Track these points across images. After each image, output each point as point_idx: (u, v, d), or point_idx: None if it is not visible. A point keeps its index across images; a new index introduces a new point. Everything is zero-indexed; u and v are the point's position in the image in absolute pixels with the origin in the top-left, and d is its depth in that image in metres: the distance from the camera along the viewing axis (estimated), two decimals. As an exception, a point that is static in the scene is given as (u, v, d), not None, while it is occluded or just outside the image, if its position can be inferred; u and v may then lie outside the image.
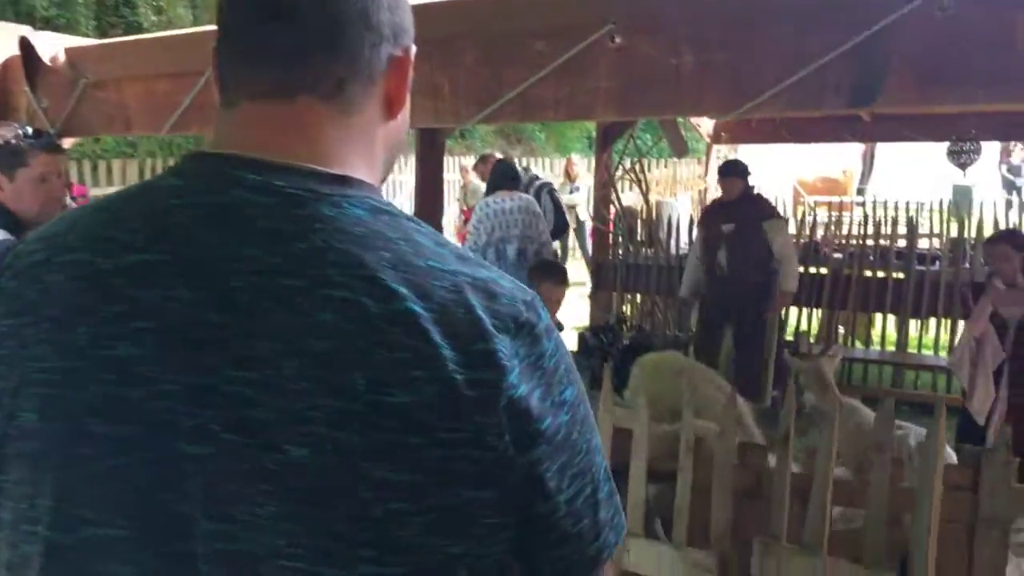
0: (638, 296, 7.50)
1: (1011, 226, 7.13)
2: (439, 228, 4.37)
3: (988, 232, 6.85)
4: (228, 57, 0.81)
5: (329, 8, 0.78)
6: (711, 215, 5.98)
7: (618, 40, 2.49)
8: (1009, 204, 12.55)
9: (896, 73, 2.18)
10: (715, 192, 10.00)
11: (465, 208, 8.37)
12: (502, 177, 6.14)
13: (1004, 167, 15.28)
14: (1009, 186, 14.25)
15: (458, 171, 11.53)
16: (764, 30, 2.33)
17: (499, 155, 8.59)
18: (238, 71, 0.80)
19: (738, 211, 5.76)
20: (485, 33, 2.70)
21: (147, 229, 0.75)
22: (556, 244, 7.79)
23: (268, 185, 0.75)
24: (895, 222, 8.47)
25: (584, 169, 10.51)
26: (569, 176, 10.90)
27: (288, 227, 0.73)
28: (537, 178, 7.60)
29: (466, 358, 0.71)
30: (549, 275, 3.70)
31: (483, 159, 9.14)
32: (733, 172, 5.82)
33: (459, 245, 0.86)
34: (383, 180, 0.87)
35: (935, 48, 2.14)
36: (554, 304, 3.54)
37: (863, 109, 2.31)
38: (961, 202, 13.23)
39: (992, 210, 8.14)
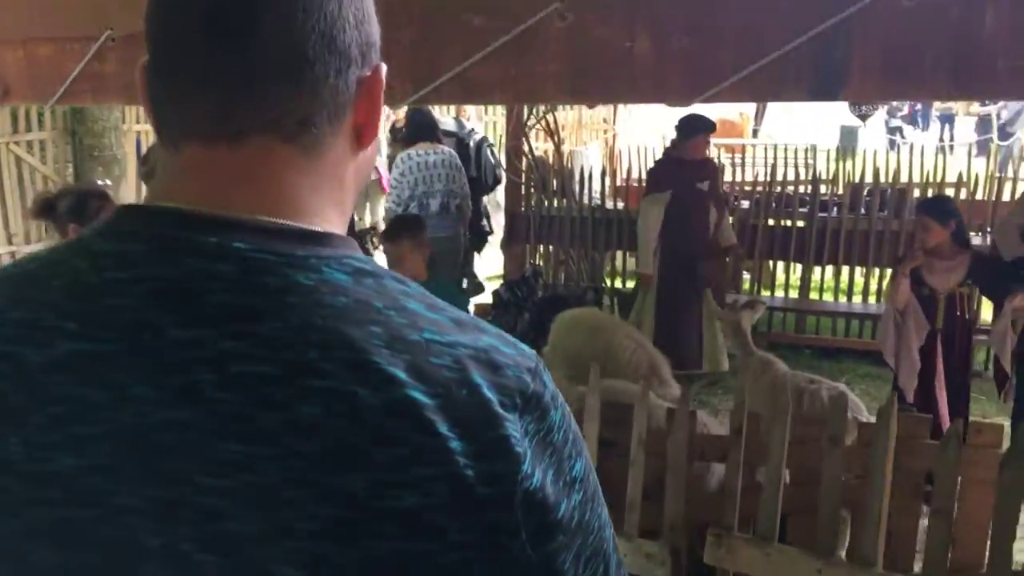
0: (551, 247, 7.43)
1: (891, 171, 7.28)
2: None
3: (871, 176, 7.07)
4: (163, 83, 0.67)
5: (292, 28, 0.64)
6: (678, 173, 5.49)
7: (568, 18, 2.29)
8: (892, 145, 13.08)
9: (860, 64, 2.08)
10: (629, 140, 9.96)
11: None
12: (423, 128, 5.88)
13: (887, 119, 15.97)
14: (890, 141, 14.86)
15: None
16: (725, 15, 2.18)
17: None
18: (177, 103, 0.66)
19: (704, 169, 5.65)
20: (421, 7, 2.45)
21: (78, 310, 0.62)
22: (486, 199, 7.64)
23: (227, 249, 0.62)
24: (796, 168, 8.68)
25: (475, 116, 10.21)
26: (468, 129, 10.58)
27: (256, 302, 0.61)
28: (474, 131, 7.39)
29: (476, 448, 0.62)
30: (408, 232, 3.45)
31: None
32: (704, 129, 5.46)
33: (453, 308, 0.71)
34: None
35: (900, 39, 2.05)
36: (417, 263, 3.34)
37: (827, 100, 2.20)
38: (848, 143, 13.69)
39: (872, 156, 8.41)
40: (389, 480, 0.60)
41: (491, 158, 7.09)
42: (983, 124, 13.26)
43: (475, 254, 7.07)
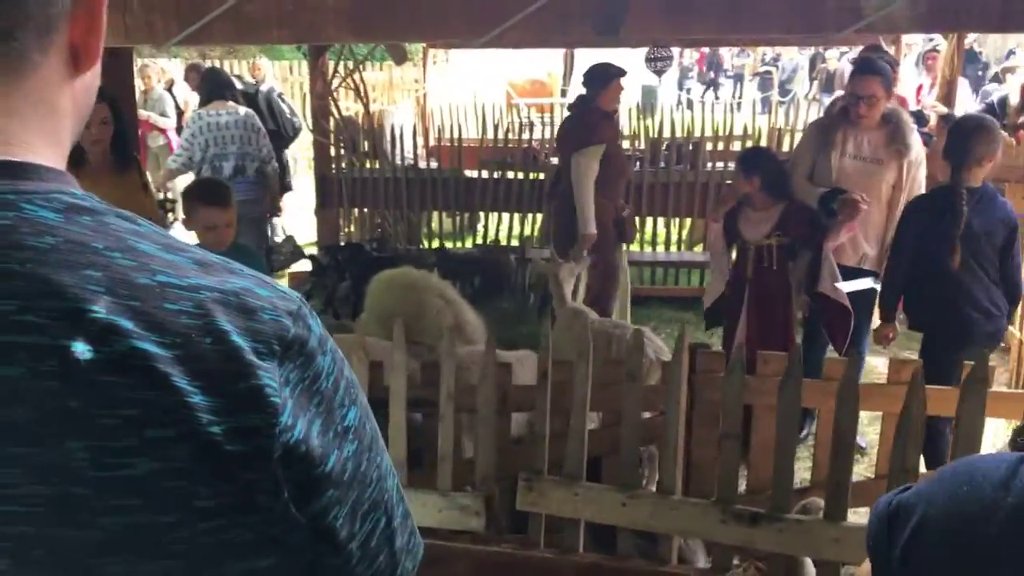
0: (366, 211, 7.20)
1: (687, 126, 7.60)
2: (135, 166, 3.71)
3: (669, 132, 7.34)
4: None
5: None
6: (607, 123, 4.97)
7: (346, -49, 2.12)
8: (679, 102, 13.74)
9: (641, 3, 2.07)
10: (441, 99, 9.79)
11: (146, 119, 7.33)
12: (215, 86, 5.51)
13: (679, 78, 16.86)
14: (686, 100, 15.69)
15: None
16: (507, -49, 2.10)
17: (210, 63, 7.74)
18: None
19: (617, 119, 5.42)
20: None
21: None
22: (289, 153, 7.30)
23: None
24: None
25: (270, 73, 9.71)
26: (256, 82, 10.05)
27: None
28: (261, 82, 7.00)
29: (224, 402, 0.56)
30: (206, 198, 3.14)
31: (193, 68, 8.17)
32: (617, 74, 4.94)
33: (197, 247, 0.63)
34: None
35: (677, -23, 2.05)
36: (222, 230, 3.08)
37: (610, 38, 2.17)
38: (648, 101, 14.23)
39: (669, 113, 8.79)
40: (117, 446, 0.53)
41: (284, 106, 6.78)
42: (764, 82, 14.20)
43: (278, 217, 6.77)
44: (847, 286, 3.78)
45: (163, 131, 7.62)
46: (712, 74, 18.10)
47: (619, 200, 5.07)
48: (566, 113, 5.53)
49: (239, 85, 6.56)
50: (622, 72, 4.93)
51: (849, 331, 3.74)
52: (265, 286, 0.63)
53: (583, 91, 4.97)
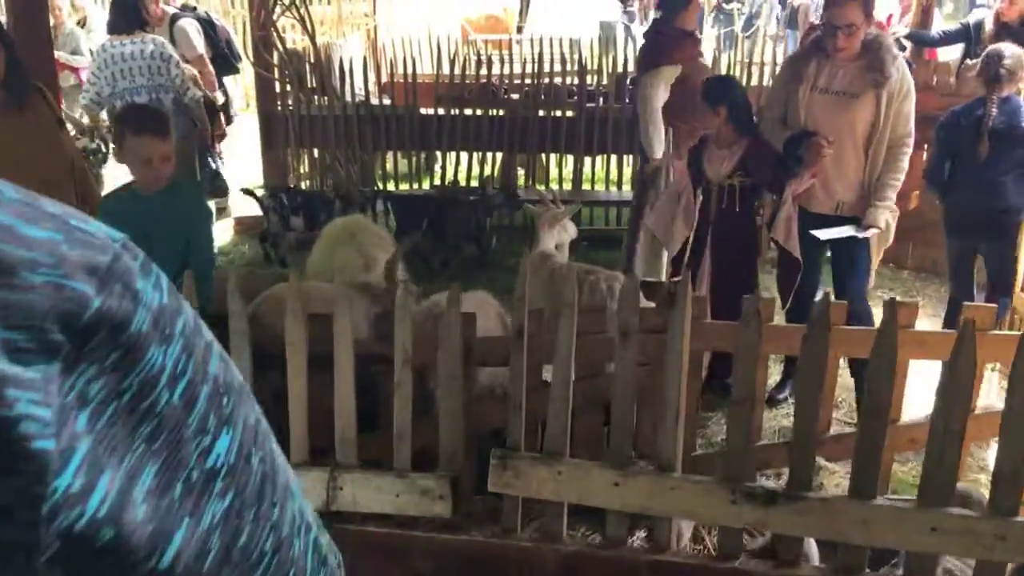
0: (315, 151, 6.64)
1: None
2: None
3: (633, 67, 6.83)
4: None
5: None
6: (686, 46, 4.47)
7: None
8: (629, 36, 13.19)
9: None
10: (392, 32, 9.15)
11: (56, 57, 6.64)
12: (119, 14, 4.92)
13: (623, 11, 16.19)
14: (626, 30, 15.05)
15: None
16: None
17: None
18: None
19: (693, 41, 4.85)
20: None
21: None
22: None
23: None
24: (563, 60, 8.36)
25: (218, 11, 8.92)
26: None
27: None
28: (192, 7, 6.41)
29: None
30: (136, 125, 2.63)
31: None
32: None
33: None
34: None
35: None
36: (158, 163, 2.61)
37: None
38: (607, 37, 13.66)
39: (633, 47, 8.29)
40: None
41: (210, 26, 6.20)
42: (727, 18, 13.71)
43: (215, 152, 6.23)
44: (824, 234, 3.40)
45: (75, 70, 6.87)
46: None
47: (698, 126, 4.35)
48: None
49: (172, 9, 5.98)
50: None
51: (794, 284, 3.43)
52: (39, 222, 0.36)
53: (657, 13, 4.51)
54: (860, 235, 3.38)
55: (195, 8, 6.58)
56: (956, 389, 1.77)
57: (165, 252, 2.57)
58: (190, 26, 5.96)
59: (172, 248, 2.67)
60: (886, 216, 3.42)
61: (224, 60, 6.35)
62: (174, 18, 5.97)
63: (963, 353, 1.74)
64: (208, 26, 6.23)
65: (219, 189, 6.15)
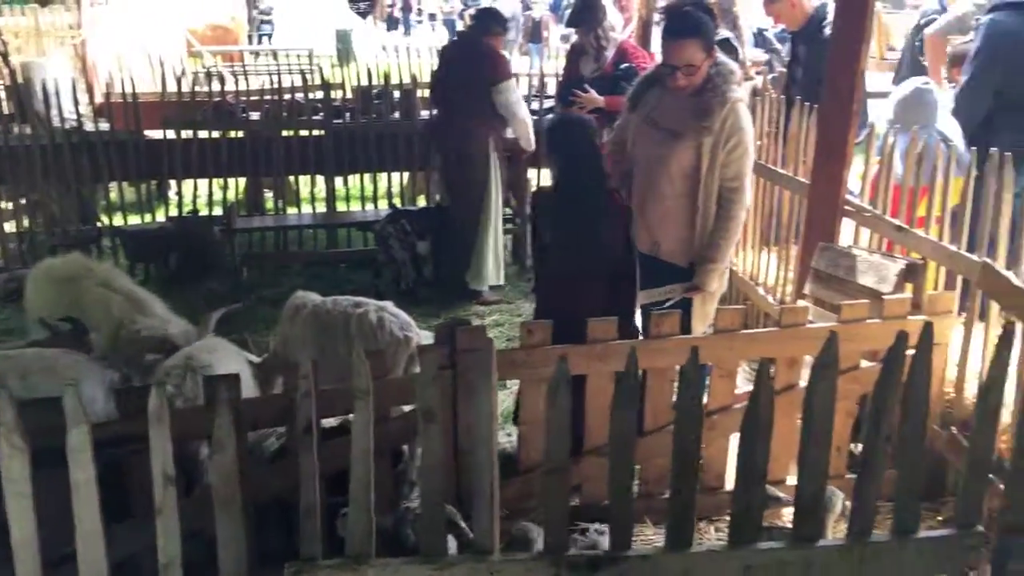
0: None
1: (384, 73, 6.84)
2: None
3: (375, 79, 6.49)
4: None
5: None
6: None
7: None
8: (385, 48, 12.94)
9: None
10: (99, 49, 8.07)
11: None
12: None
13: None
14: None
15: None
16: None
17: None
18: None
19: None
20: None
21: None
22: None
23: None
24: (303, 75, 7.83)
25: None
26: None
27: None
28: None
29: None
30: None
31: None
32: None
33: None
34: None
35: None
36: None
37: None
38: (344, 46, 13.24)
39: (375, 60, 8.02)
40: None
41: None
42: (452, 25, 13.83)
43: None
44: (645, 296, 3.05)
45: None
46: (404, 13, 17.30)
47: None
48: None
49: None
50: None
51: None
52: None
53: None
54: (677, 298, 3.08)
55: None
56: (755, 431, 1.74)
57: None
58: None
59: None
60: (716, 281, 3.11)
61: None
62: None
63: (761, 402, 1.71)
64: None
65: None
